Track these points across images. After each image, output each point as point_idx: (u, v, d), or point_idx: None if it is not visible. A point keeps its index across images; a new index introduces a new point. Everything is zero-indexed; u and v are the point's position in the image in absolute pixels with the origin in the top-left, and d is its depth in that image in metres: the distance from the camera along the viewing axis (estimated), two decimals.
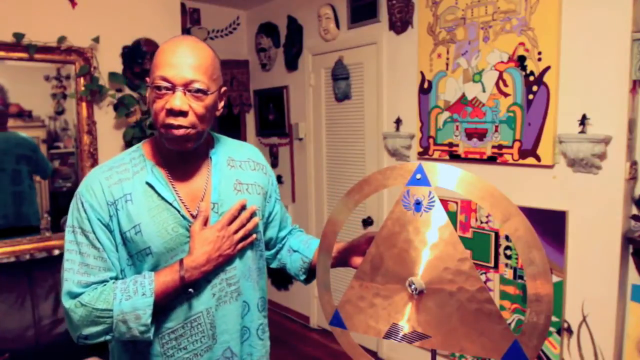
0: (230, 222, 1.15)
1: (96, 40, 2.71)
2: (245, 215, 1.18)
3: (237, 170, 1.23)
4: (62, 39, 2.60)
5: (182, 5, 3.44)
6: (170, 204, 1.11)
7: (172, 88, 1.05)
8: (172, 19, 3.06)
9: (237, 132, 4.34)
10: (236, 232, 1.16)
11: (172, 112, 1.05)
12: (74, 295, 1.06)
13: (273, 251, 1.41)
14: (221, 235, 1.12)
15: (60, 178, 2.74)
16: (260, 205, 1.25)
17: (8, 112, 2.52)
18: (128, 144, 2.78)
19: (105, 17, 2.78)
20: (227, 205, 1.17)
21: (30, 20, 2.53)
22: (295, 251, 1.37)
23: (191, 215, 1.13)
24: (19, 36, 2.48)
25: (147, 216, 1.09)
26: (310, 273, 1.36)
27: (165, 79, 1.05)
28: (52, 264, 2.56)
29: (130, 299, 1.04)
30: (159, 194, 1.10)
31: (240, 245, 1.17)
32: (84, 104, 2.70)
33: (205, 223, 1.13)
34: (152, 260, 1.10)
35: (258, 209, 1.24)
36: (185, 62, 1.06)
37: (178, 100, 1.05)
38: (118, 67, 2.82)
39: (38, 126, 2.62)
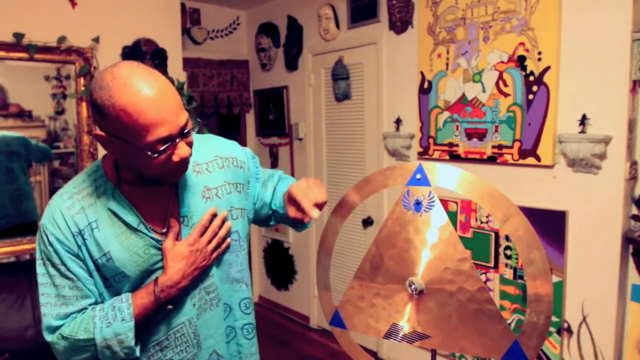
0: (202, 234, 1.12)
1: (96, 40, 2.71)
2: (216, 223, 1.13)
3: (203, 175, 1.17)
4: (62, 39, 2.60)
5: (182, 5, 3.44)
6: (136, 228, 1.08)
7: (172, 141, 0.98)
8: (172, 19, 3.07)
9: (237, 132, 4.34)
10: (209, 242, 1.13)
11: (183, 162, 1.02)
12: (53, 329, 1.05)
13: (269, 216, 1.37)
14: (194, 249, 1.10)
15: (60, 178, 2.74)
16: (237, 201, 1.21)
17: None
18: None
19: (105, 17, 2.78)
20: (197, 216, 1.13)
21: (30, 20, 2.53)
22: (274, 210, 1.33)
23: (159, 234, 1.10)
24: (19, 36, 2.48)
25: (115, 243, 1.06)
26: (296, 221, 1.27)
27: (164, 140, 0.96)
28: None
29: (111, 326, 1.04)
30: (123, 220, 1.07)
31: (215, 254, 1.15)
32: (84, 104, 2.70)
33: (178, 238, 1.11)
34: (130, 282, 1.09)
35: (244, 210, 1.22)
36: (171, 108, 0.96)
37: (185, 150, 1.00)
38: None
39: (38, 126, 2.63)
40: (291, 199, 1.16)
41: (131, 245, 1.07)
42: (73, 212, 1.06)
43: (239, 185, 1.23)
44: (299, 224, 1.30)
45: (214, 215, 1.14)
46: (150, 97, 0.93)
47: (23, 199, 2.63)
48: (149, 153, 0.96)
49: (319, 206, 1.13)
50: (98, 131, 0.99)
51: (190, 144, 1.03)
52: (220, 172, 1.20)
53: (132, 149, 0.97)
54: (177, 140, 0.98)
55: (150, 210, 1.10)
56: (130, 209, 1.08)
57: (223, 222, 1.16)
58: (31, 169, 2.67)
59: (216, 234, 1.14)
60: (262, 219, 1.36)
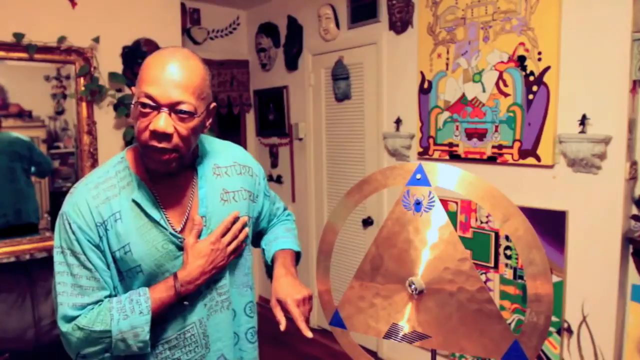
0: (224, 234, 1.15)
1: (96, 40, 2.71)
2: (237, 226, 1.18)
3: (223, 178, 1.21)
4: (62, 39, 2.60)
5: (182, 5, 3.44)
6: (158, 222, 1.09)
7: (157, 107, 1.00)
8: (172, 19, 3.06)
9: (237, 132, 4.34)
10: (229, 243, 1.16)
11: (155, 134, 1.00)
12: (69, 319, 1.05)
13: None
14: (215, 248, 1.12)
15: (60, 178, 2.74)
16: (248, 209, 1.25)
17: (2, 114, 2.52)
18: (128, 144, 2.78)
19: (105, 17, 2.78)
20: (215, 217, 1.16)
21: (30, 20, 2.53)
22: (263, 249, 1.39)
23: (176, 230, 1.12)
24: (19, 36, 2.48)
25: (136, 235, 1.07)
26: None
27: (150, 97, 0.99)
28: (52, 263, 2.56)
29: (128, 318, 1.04)
30: (145, 212, 1.08)
31: (232, 256, 1.18)
32: (84, 104, 2.70)
33: (199, 236, 1.13)
34: (143, 277, 1.10)
35: (249, 218, 1.25)
36: (172, 80, 1.00)
37: (162, 122, 0.99)
38: (118, 67, 2.82)
39: (38, 126, 2.63)
40: (280, 301, 1.19)
41: (151, 238, 1.08)
42: (98, 202, 1.07)
43: (252, 195, 1.27)
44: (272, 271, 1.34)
45: (236, 219, 1.18)
46: (162, 60, 1.02)
47: (22, 199, 2.63)
48: (135, 100, 1.01)
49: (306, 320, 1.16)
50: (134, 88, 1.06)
51: (181, 131, 1.02)
52: (238, 177, 1.24)
53: (133, 104, 1.03)
54: (161, 110, 1.00)
55: (171, 207, 1.13)
56: (154, 202, 1.10)
57: (242, 227, 1.20)
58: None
59: (236, 237, 1.18)
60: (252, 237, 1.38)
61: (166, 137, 1.01)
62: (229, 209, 1.18)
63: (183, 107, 1.01)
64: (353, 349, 1.27)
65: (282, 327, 1.13)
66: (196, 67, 1.04)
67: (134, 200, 1.08)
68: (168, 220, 1.11)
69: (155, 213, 1.09)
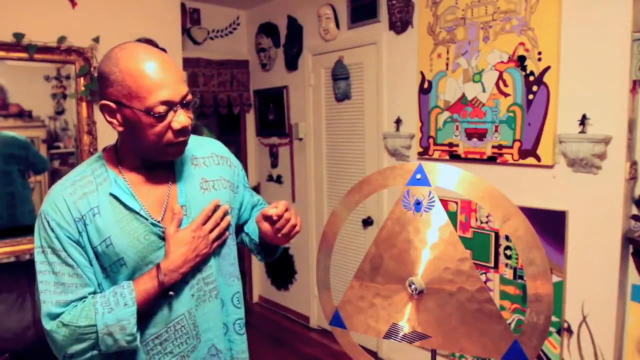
0: (205, 222, 1.16)
1: (96, 40, 2.71)
2: (218, 214, 1.18)
3: (201, 168, 1.22)
4: (62, 39, 2.60)
5: (182, 5, 3.44)
6: (138, 213, 1.09)
7: (172, 107, 1.04)
8: (172, 19, 3.06)
9: (237, 132, 4.34)
10: (211, 231, 1.16)
11: (182, 130, 1.06)
12: (53, 316, 1.04)
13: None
14: (196, 236, 1.13)
15: (60, 178, 2.74)
16: (229, 198, 1.25)
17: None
18: None
19: (105, 17, 2.78)
20: (195, 206, 1.16)
21: (30, 20, 2.53)
22: (247, 233, 1.38)
23: (157, 221, 1.12)
24: (19, 36, 2.48)
25: (116, 228, 1.07)
26: (264, 250, 1.35)
27: (165, 102, 1.02)
28: None
29: (113, 312, 1.03)
30: (124, 205, 1.09)
31: (215, 244, 1.18)
32: (84, 104, 2.70)
33: (179, 225, 1.13)
34: (127, 271, 1.09)
35: (231, 208, 1.25)
36: (173, 76, 1.04)
37: (184, 117, 1.06)
38: None
39: (38, 126, 2.62)
40: (265, 217, 1.18)
41: (132, 230, 1.08)
42: (75, 197, 1.08)
43: (232, 185, 1.28)
44: (262, 253, 1.35)
45: (217, 207, 1.19)
46: (153, 63, 1.03)
47: (18, 202, 2.62)
48: (151, 114, 1.02)
49: (289, 233, 1.17)
50: (104, 101, 1.05)
51: (190, 118, 1.08)
52: (216, 167, 1.25)
53: (135, 114, 1.03)
54: (178, 107, 1.05)
55: (149, 199, 1.13)
56: (132, 195, 1.11)
57: (224, 214, 1.20)
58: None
59: (218, 224, 1.18)
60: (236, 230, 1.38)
61: (188, 128, 1.08)
62: (209, 197, 1.19)
63: (189, 96, 1.07)
64: (353, 349, 1.27)
65: (274, 211, 1.14)
66: (170, 57, 1.09)
67: (111, 194, 1.09)
68: (147, 212, 1.12)
69: (134, 204, 1.09)
